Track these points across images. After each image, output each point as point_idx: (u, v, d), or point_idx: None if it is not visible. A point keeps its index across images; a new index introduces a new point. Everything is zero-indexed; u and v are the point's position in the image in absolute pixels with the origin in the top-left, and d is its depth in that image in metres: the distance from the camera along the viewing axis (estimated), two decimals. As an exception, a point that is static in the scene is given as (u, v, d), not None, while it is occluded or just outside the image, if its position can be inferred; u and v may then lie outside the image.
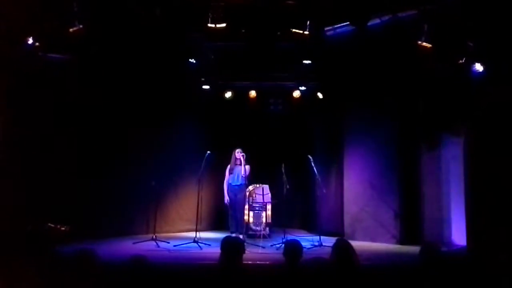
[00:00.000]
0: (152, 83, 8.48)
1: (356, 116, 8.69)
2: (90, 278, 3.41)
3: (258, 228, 8.50)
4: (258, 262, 5.92)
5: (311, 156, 7.83)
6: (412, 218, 8.10)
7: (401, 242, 7.83)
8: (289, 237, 7.40)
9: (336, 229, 8.58)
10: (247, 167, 7.97)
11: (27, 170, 6.98)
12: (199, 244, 7.17)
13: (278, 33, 7.21)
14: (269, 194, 8.55)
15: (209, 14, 6.55)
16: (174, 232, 8.71)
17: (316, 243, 7.29)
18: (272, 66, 8.64)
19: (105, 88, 7.98)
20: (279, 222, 8.61)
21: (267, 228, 8.64)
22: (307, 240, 7.50)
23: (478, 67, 6.76)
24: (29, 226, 5.16)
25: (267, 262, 5.97)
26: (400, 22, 6.63)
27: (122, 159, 8.27)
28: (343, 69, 8.31)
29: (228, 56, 8.34)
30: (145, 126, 8.60)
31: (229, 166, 8.18)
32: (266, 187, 8.60)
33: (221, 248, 3.75)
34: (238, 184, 8.01)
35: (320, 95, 9.07)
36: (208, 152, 7.74)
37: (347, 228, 8.48)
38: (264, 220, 8.63)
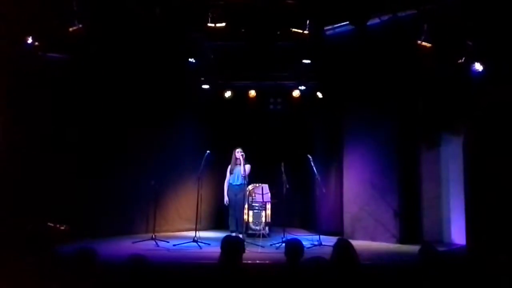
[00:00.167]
0: (152, 83, 8.48)
1: (356, 115, 8.69)
2: (90, 277, 3.41)
3: (257, 228, 8.50)
4: (257, 262, 5.93)
5: (310, 155, 7.83)
6: (412, 218, 8.10)
7: (401, 241, 7.82)
8: (289, 236, 7.39)
9: (336, 229, 8.59)
10: (247, 166, 7.98)
11: (27, 170, 6.98)
12: (198, 243, 7.17)
13: (278, 32, 7.21)
14: (269, 194, 8.54)
15: (209, 13, 6.55)
16: (173, 232, 8.72)
17: (316, 243, 7.29)
18: (271, 65, 8.64)
19: (105, 88, 7.99)
20: (278, 222, 8.62)
21: (267, 228, 8.65)
22: (306, 239, 7.49)
23: (478, 66, 6.76)
24: (29, 226, 5.15)
25: (267, 262, 5.98)
26: (399, 22, 6.62)
27: (121, 159, 8.27)
28: (343, 68, 8.31)
29: (228, 56, 8.34)
30: (144, 125, 8.60)
31: (229, 167, 8.18)
32: (266, 186, 8.60)
33: (221, 248, 3.74)
34: (239, 184, 8.01)
35: (319, 95, 9.08)
36: (208, 151, 7.74)
37: (346, 228, 8.49)
38: (263, 219, 8.63)
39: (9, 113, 6.93)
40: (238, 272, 3.69)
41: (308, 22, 6.79)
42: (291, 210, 8.88)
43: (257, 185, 8.65)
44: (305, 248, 4.03)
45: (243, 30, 7.21)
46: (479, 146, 6.98)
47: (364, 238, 8.08)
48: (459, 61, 6.93)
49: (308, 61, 8.14)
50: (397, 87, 8.09)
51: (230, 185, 8.12)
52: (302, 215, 9.95)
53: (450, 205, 8.00)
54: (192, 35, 7.49)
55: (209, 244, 7.16)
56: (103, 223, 7.85)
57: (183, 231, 8.71)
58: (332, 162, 9.20)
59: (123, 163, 8.30)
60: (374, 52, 7.41)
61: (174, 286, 4.62)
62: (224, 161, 8.42)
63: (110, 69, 7.86)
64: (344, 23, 6.94)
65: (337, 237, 5.20)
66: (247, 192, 8.30)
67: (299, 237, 5.44)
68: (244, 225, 8.33)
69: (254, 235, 8.20)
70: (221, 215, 9.31)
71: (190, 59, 8.06)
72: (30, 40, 6.60)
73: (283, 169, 7.72)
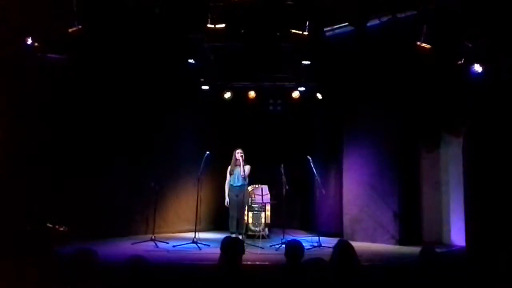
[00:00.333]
0: (151, 84, 8.48)
1: (355, 116, 8.69)
2: (90, 278, 3.41)
3: (257, 229, 8.49)
4: (257, 263, 5.93)
5: (310, 156, 7.83)
6: (412, 219, 8.09)
7: (400, 242, 7.81)
8: (288, 237, 7.40)
9: (336, 230, 8.59)
10: (247, 167, 7.97)
11: (27, 170, 6.98)
12: (198, 244, 7.16)
13: (278, 33, 7.22)
14: (268, 195, 8.53)
15: (209, 14, 6.56)
16: (173, 233, 8.70)
17: (316, 244, 7.29)
18: (271, 66, 8.65)
19: (105, 89, 7.98)
20: (278, 223, 8.61)
21: (266, 229, 8.64)
22: (306, 240, 7.48)
23: (477, 67, 6.77)
24: (28, 226, 5.16)
25: (266, 263, 5.98)
26: (399, 23, 6.63)
27: (121, 160, 8.27)
28: (343, 69, 8.32)
29: (228, 57, 8.35)
30: (144, 126, 8.60)
31: (229, 168, 8.17)
32: (265, 187, 8.58)
33: (221, 249, 3.74)
34: (239, 185, 7.99)
35: (319, 96, 9.08)
36: (208, 152, 7.74)
37: (346, 229, 8.48)
38: (263, 220, 8.62)
39: (9, 113, 6.92)
40: (238, 273, 3.68)
41: (307, 23, 6.80)
42: (290, 212, 8.88)
43: (257, 186, 8.65)
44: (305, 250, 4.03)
45: (242, 31, 7.22)
46: (478, 148, 6.99)
47: (363, 239, 8.07)
48: (458, 63, 6.94)
49: (307, 62, 8.16)
50: (396, 88, 8.08)
51: (230, 186, 8.11)
52: (301, 216, 9.95)
53: (450, 206, 8.01)
54: (192, 36, 7.51)
55: (208, 245, 7.15)
56: (103, 224, 7.83)
57: (182, 232, 8.71)
58: (332, 164, 9.19)
59: (123, 164, 8.30)
60: (374, 53, 7.43)
61: (174, 287, 4.62)
62: (224, 162, 8.41)
63: (110, 69, 7.86)
64: (344, 24, 6.95)
65: (336, 239, 5.20)
66: (248, 193, 8.30)
67: (298, 238, 5.45)
68: (244, 226, 8.32)
69: (254, 236, 8.20)
70: (220, 216, 9.28)
71: (190, 60, 8.06)
72: (29, 41, 6.60)
73: (282, 170, 7.72)
